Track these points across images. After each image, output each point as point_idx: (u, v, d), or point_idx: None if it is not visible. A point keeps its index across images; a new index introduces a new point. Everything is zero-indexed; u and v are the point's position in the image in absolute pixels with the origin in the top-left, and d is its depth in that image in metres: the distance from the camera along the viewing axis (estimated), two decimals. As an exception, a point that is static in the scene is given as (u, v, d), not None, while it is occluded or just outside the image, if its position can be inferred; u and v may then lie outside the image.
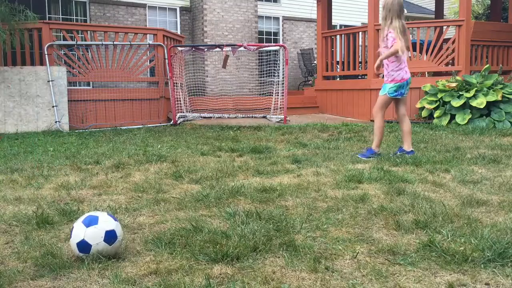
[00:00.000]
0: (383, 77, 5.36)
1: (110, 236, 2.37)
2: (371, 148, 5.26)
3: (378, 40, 9.76)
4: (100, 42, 9.11)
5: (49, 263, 2.34)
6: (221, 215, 3.10)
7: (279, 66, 10.01)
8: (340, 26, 16.24)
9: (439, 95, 8.28)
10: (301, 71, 14.87)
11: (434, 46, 9.22)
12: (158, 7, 13.88)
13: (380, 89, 5.30)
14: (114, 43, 9.15)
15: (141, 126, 8.88)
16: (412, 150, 5.22)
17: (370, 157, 5.10)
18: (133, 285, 2.13)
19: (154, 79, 9.93)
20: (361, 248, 2.51)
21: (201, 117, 9.69)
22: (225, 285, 2.11)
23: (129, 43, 9.26)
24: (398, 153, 5.20)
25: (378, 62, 5.19)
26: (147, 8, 13.67)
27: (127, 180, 4.21)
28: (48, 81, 8.33)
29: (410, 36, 9.71)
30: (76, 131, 8.29)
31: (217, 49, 9.63)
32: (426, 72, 10.06)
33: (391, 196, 3.50)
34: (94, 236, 2.35)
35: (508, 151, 5.36)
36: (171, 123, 9.16)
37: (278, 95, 9.80)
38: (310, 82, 13.84)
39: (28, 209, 3.30)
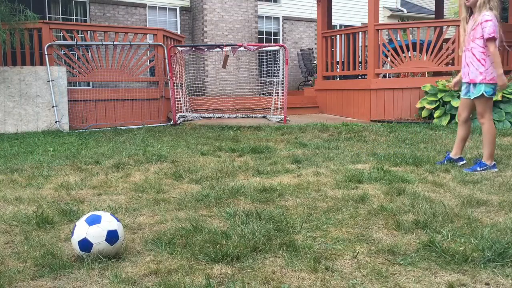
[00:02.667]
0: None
1: (112, 236, 2.37)
2: (482, 161, 4.41)
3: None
4: (100, 42, 9.11)
5: (49, 263, 2.34)
6: (221, 215, 3.10)
7: (279, 66, 10.01)
8: (340, 26, 16.24)
9: (439, 95, 8.28)
10: (301, 71, 14.87)
11: (434, 46, 9.22)
12: (158, 7, 13.88)
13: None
14: (114, 43, 9.15)
15: (141, 126, 8.87)
16: (461, 158, 4.67)
17: (483, 170, 4.32)
18: (133, 285, 2.13)
19: (154, 79, 9.93)
20: (361, 248, 2.51)
21: (201, 117, 9.69)
22: (225, 285, 2.11)
23: (129, 43, 9.25)
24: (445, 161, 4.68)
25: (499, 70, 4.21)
26: (147, 8, 13.66)
27: (127, 180, 4.21)
28: (48, 81, 8.33)
29: (410, 36, 9.72)
30: (76, 131, 8.29)
31: (217, 49, 9.63)
32: (426, 72, 10.06)
33: (391, 196, 3.50)
34: (96, 235, 2.35)
35: (508, 151, 5.36)
36: (171, 123, 9.16)
37: (278, 95, 9.80)
38: (310, 82, 13.84)
39: (28, 209, 3.30)
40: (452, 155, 4.69)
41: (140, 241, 2.67)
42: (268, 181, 4.04)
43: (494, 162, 4.41)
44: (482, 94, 4.31)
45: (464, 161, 4.65)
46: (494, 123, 7.50)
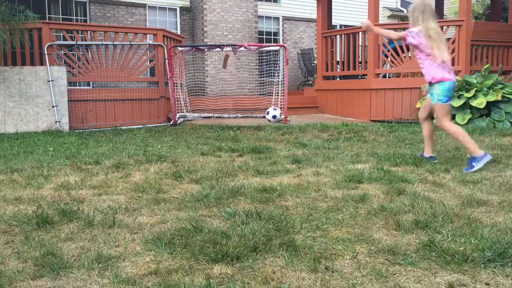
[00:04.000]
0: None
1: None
2: (473, 156, 4.44)
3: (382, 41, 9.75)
4: (100, 42, 9.11)
5: (49, 263, 2.34)
6: (221, 215, 3.10)
7: (279, 66, 10.00)
8: (340, 26, 16.24)
9: (439, 95, 8.26)
10: (301, 71, 14.87)
11: (434, 46, 9.20)
12: (158, 7, 13.88)
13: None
14: (114, 43, 9.15)
15: (141, 126, 8.87)
16: (432, 156, 4.87)
17: (480, 166, 4.36)
18: (133, 285, 2.13)
19: (154, 79, 9.93)
20: (361, 248, 2.51)
21: (201, 117, 9.69)
22: (225, 285, 2.11)
23: (129, 43, 9.25)
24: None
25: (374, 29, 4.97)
26: (147, 8, 13.66)
27: (127, 180, 4.21)
28: (48, 81, 8.33)
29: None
30: (76, 131, 8.29)
31: (217, 49, 9.62)
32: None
33: (391, 196, 3.50)
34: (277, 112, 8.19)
35: (508, 151, 5.35)
36: (171, 123, 9.16)
37: (278, 95, 9.80)
38: (310, 82, 13.84)
39: (28, 209, 3.30)
40: (425, 154, 4.94)
41: (140, 241, 2.67)
42: (268, 181, 4.04)
43: (483, 152, 4.44)
44: (437, 102, 4.58)
45: (436, 160, 4.82)
46: (494, 123, 7.54)
